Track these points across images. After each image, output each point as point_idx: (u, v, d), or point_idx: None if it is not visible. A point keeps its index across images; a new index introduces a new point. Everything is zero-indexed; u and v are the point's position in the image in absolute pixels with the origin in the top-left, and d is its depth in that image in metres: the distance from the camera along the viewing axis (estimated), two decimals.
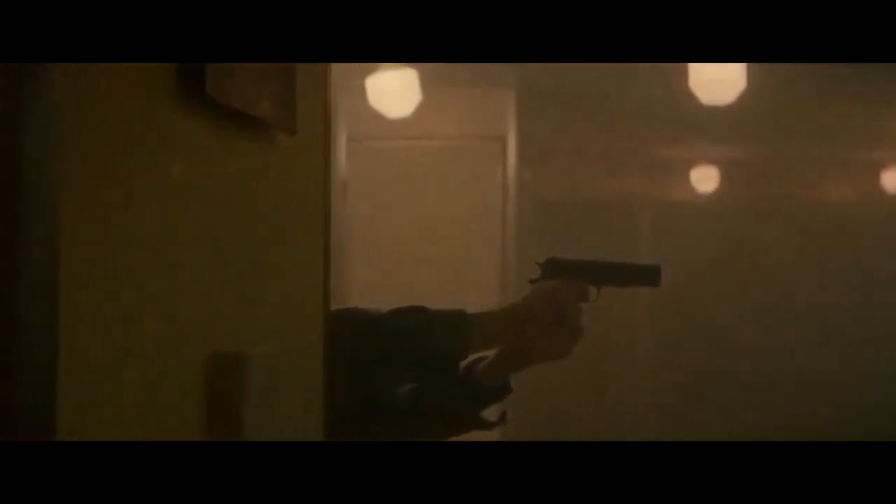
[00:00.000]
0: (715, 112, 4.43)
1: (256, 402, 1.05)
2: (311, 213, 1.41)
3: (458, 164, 4.77)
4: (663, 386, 4.50)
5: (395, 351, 1.70)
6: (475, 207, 4.80)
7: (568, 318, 1.77)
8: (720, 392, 4.42)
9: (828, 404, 4.26)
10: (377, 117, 4.45)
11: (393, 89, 4.43)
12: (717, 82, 4.29)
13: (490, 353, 1.84)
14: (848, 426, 3.96)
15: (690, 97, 4.33)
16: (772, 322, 4.47)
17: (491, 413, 1.85)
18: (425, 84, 4.50)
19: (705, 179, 4.91)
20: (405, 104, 4.44)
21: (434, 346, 1.71)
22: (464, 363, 1.82)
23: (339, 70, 4.51)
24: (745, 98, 4.35)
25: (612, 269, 1.90)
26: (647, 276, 1.91)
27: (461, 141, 4.87)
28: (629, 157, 4.71)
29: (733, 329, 4.48)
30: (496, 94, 4.85)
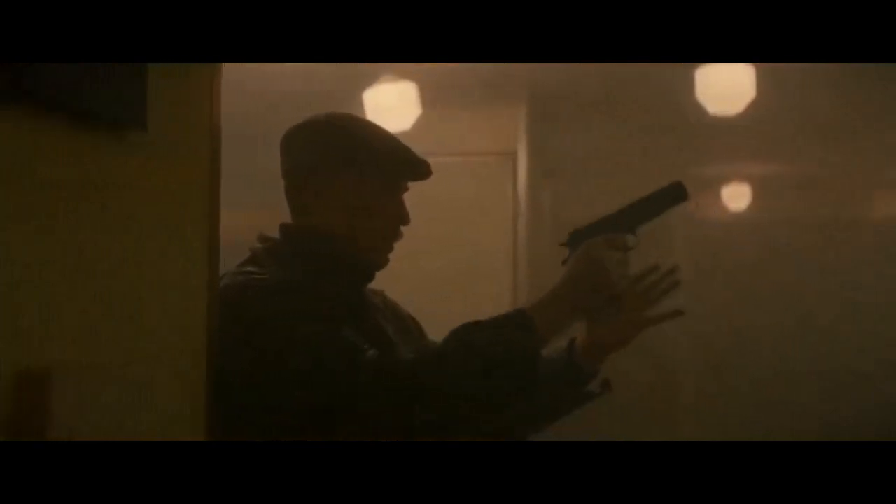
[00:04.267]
0: (740, 121, 4.35)
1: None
2: (189, 216, 1.38)
3: (467, 181, 4.61)
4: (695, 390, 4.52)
5: (474, 366, 1.61)
6: (485, 226, 4.66)
7: (613, 274, 1.72)
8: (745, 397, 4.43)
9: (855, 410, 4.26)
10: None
11: (399, 104, 4.31)
12: (742, 89, 4.17)
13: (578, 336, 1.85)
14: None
15: (713, 107, 4.25)
16: (803, 333, 4.46)
17: (593, 385, 1.89)
18: (432, 99, 4.39)
19: (731, 193, 4.81)
20: (412, 120, 4.32)
21: (510, 352, 1.62)
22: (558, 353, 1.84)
23: (344, 85, 4.55)
24: (771, 105, 4.30)
25: (637, 208, 1.81)
26: (674, 195, 1.81)
27: (470, 157, 4.73)
28: (647, 171, 4.47)
29: (766, 340, 4.49)
30: (505, 109, 4.75)
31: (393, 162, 1.80)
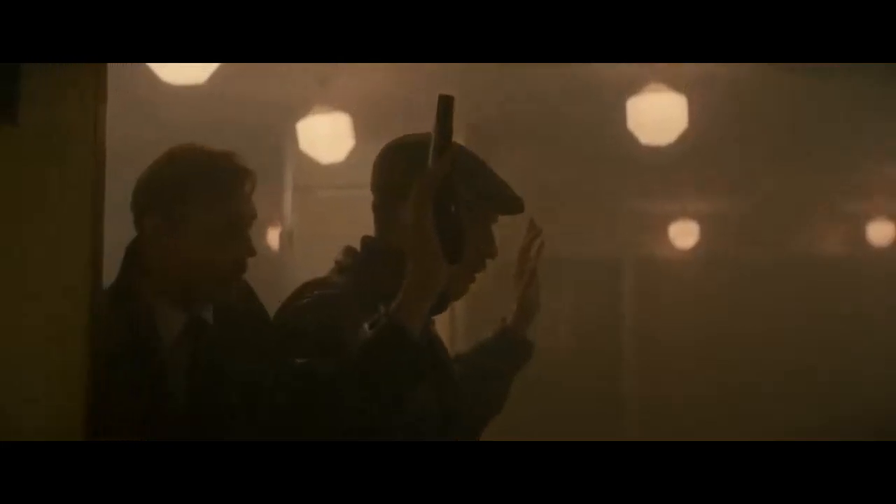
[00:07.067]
0: (682, 152, 4.35)
1: None
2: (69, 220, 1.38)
3: None
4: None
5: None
6: None
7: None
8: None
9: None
10: (325, 166, 4.34)
11: (331, 135, 4.30)
12: (677, 117, 4.13)
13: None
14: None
15: (658, 139, 4.22)
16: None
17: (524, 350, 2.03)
18: (370, 131, 4.25)
19: (680, 231, 4.93)
20: (344, 151, 4.32)
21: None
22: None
23: (288, 117, 4.47)
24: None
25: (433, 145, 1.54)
26: (444, 107, 1.56)
27: None
28: (587, 207, 4.64)
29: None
30: None
31: (486, 196, 1.76)
